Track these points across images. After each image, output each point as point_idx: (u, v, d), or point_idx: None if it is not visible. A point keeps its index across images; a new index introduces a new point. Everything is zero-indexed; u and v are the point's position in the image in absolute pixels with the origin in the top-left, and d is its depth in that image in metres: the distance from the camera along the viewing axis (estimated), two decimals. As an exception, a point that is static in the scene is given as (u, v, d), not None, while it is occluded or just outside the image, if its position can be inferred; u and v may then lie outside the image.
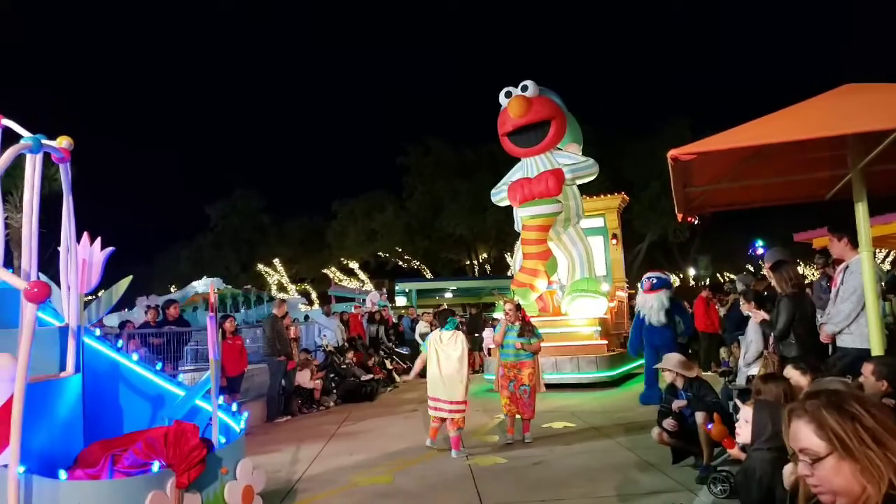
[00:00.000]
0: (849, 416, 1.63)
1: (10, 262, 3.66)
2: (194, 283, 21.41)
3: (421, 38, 76.92)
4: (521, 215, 13.94)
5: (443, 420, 7.64)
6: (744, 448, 5.16)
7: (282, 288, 46.00)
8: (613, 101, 50.28)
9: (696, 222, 36.87)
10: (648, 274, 11.54)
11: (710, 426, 5.17)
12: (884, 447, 1.58)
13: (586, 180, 14.18)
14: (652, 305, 10.57)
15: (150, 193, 63.95)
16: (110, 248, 4.17)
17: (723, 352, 13.73)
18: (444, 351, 7.63)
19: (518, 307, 8.57)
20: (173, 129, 75.63)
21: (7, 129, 3.89)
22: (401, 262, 44.30)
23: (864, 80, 5.58)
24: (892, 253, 30.33)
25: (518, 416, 8.06)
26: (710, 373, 12.79)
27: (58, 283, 4.05)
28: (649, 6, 68.10)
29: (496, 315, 16.24)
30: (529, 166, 14.08)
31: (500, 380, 8.23)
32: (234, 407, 4.41)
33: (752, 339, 6.93)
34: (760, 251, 37.05)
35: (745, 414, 3.99)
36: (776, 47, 65.63)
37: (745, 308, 7.01)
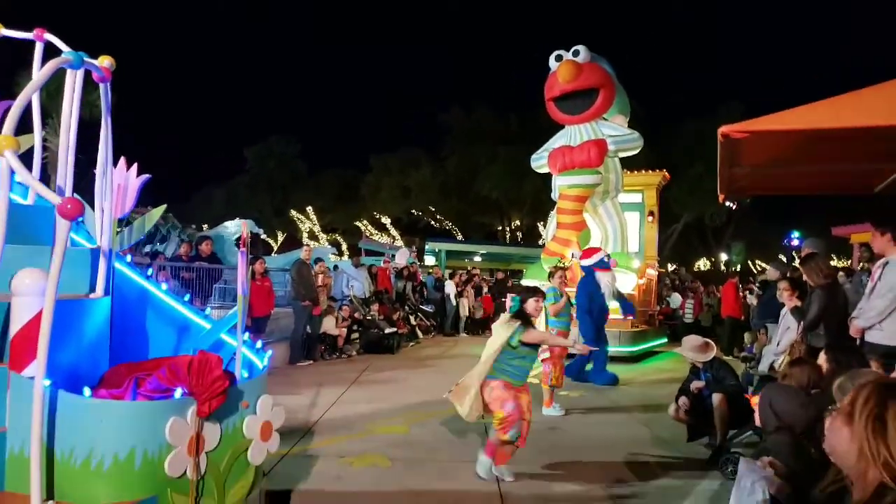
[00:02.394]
0: (878, 401, 1.69)
1: (47, 186, 3.67)
2: (226, 223, 21.63)
3: (421, 38, 76.63)
4: (560, 184, 13.79)
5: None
6: (760, 434, 5.13)
7: (313, 236, 46.39)
8: (663, 86, 49.43)
9: (734, 206, 36.39)
10: (607, 252, 11.50)
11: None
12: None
13: (629, 154, 13.94)
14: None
15: (191, 132, 64.42)
16: (146, 175, 4.18)
17: (747, 337, 13.60)
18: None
19: None
20: (219, 70, 75.86)
21: (48, 48, 3.90)
22: (433, 222, 44.31)
23: (865, 79, 5.35)
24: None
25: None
26: (731, 357, 12.69)
27: (93, 207, 4.08)
28: (649, 6, 66.82)
29: (524, 282, 16.18)
30: (573, 134, 13.87)
31: (558, 350, 7.75)
32: (259, 344, 4.45)
33: (789, 326, 6.80)
34: (796, 242, 36.46)
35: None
36: (776, 47, 63.93)
37: (785, 295, 6.87)
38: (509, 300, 15.51)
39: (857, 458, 1.67)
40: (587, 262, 10.75)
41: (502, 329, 5.29)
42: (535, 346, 5.49)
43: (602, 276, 10.34)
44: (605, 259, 10.78)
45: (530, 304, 5.41)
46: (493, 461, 5.20)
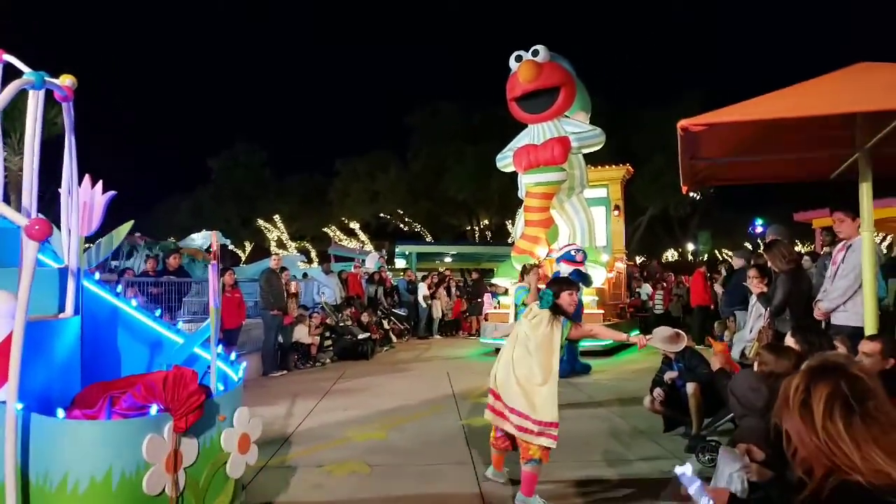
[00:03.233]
0: (804, 387, 1.72)
1: (7, 205, 3.58)
2: (193, 235, 21.41)
3: (421, 38, 77.41)
4: (526, 182, 13.90)
5: (506, 436, 4.97)
6: (733, 419, 5.24)
7: (281, 245, 46.06)
8: (621, 78, 50.18)
9: (698, 196, 36.95)
10: (578, 246, 11.77)
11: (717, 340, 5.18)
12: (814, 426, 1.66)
13: (593, 149, 14.11)
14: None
15: (151, 142, 63.67)
16: (111, 192, 4.14)
17: (717, 326, 13.81)
18: (524, 335, 4.88)
19: None
20: (177, 79, 75.21)
21: (8, 67, 3.85)
22: (402, 225, 44.28)
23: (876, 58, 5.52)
24: (889, 237, 30.26)
25: None
26: (702, 346, 12.87)
27: (58, 226, 4.04)
28: (649, 6, 68.16)
29: (495, 281, 16.27)
30: (536, 133, 14.00)
31: None
32: (233, 356, 4.43)
33: (761, 312, 6.91)
34: (760, 229, 37.10)
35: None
36: (776, 47, 65.48)
37: (754, 282, 6.98)
38: (488, 299, 15.55)
39: (801, 446, 1.70)
40: (556, 255, 11.29)
41: (550, 329, 4.75)
42: None
43: (566, 269, 10.57)
44: (572, 252, 11.24)
45: (564, 298, 4.84)
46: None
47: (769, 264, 6.66)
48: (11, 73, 3.64)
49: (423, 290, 17.90)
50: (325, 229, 45.49)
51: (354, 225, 45.01)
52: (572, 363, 10.14)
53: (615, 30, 65.30)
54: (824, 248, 9.28)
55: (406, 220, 43.88)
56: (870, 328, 5.17)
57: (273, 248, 43.72)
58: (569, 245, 11.50)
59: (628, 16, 68.71)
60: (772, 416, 1.96)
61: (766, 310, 6.59)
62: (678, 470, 2.02)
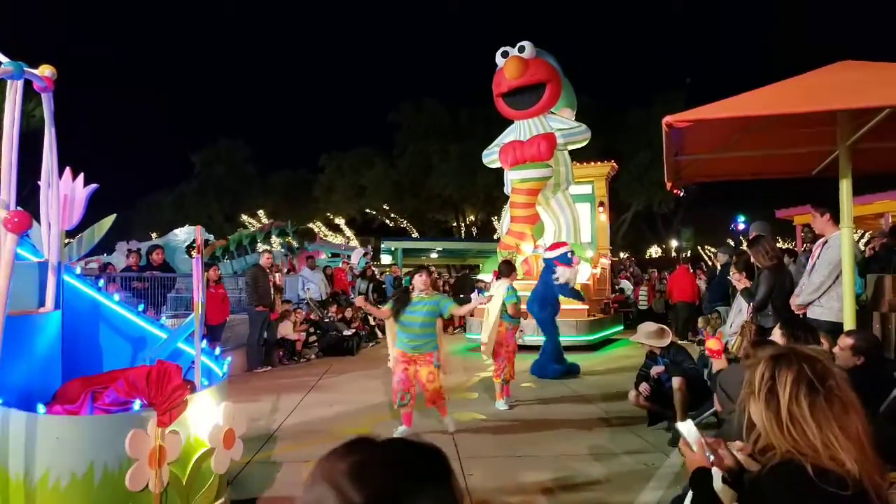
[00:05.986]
0: (769, 374, 1.79)
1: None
2: (176, 231, 21.23)
3: (407, 33, 77.77)
4: (512, 178, 13.91)
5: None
6: (717, 415, 5.28)
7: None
8: (607, 76, 50.33)
9: (682, 195, 37.02)
10: (569, 247, 11.42)
11: (710, 337, 5.22)
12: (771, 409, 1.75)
13: (578, 146, 14.14)
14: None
15: (133, 137, 63.12)
16: (93, 185, 4.09)
17: (700, 321, 13.90)
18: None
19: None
20: (160, 73, 74.68)
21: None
22: (388, 221, 44.16)
23: (863, 56, 5.58)
24: (866, 234, 30.55)
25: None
26: (685, 341, 12.95)
27: (37, 220, 3.98)
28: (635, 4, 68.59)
29: (481, 276, 16.28)
30: (522, 129, 14.02)
31: (508, 345, 7.92)
32: (217, 351, 4.41)
33: (741, 307, 6.97)
34: (742, 226, 37.38)
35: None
36: (774, 26, 65.91)
37: (735, 278, 7.04)
38: (476, 294, 15.60)
39: (763, 433, 1.78)
40: (550, 254, 10.58)
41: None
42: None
43: (563, 271, 10.18)
44: (569, 255, 10.52)
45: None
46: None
47: (752, 260, 6.71)
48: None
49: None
50: (311, 225, 45.27)
51: (340, 221, 44.84)
52: (548, 368, 9.77)
53: (599, 27, 65.57)
54: (804, 245, 9.38)
55: (392, 216, 43.78)
56: (848, 323, 5.23)
57: (260, 246, 43.49)
58: (562, 245, 11.12)
59: (613, 13, 68.99)
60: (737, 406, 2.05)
61: (748, 305, 6.63)
62: (680, 426, 2.14)
